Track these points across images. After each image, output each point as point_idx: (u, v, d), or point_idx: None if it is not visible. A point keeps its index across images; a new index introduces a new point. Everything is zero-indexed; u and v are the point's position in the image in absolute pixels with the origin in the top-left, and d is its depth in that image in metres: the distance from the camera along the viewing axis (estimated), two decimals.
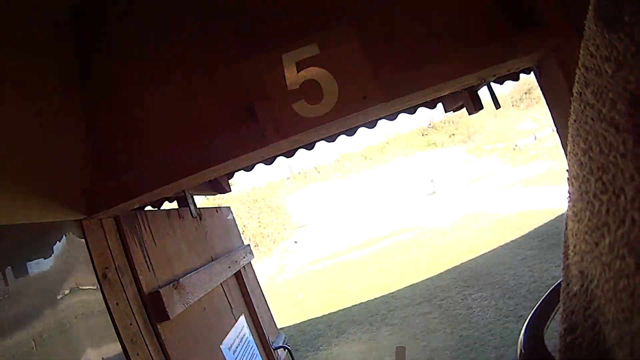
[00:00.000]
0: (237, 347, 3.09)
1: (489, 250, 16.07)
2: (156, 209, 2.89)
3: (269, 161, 3.81)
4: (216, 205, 4.01)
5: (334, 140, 3.94)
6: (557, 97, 2.24)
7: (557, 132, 2.37)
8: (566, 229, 0.40)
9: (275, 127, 1.74)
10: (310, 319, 14.74)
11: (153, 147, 1.87)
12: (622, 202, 0.29)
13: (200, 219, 3.25)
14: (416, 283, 14.96)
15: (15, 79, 1.57)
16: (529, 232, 16.32)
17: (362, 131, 3.71)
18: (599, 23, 0.33)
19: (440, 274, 14.97)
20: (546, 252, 12.78)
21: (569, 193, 0.37)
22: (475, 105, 3.39)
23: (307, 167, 62.59)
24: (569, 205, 0.37)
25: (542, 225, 16.45)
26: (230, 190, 4.39)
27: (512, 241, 16.03)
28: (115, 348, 1.84)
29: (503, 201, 25.54)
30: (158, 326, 2.10)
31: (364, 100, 1.76)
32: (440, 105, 3.92)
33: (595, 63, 0.33)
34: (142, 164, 1.86)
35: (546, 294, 0.68)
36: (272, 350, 4.00)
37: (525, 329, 0.64)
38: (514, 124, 59.34)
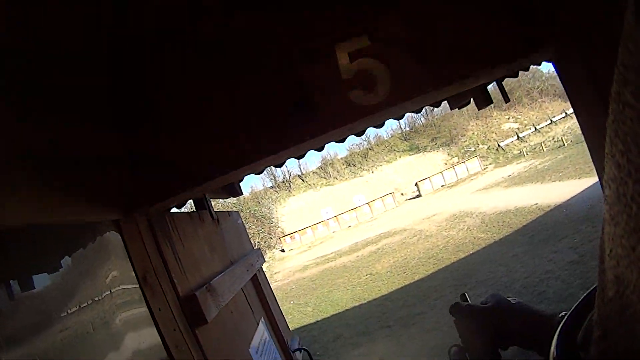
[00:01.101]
0: (262, 351, 3.04)
1: (479, 248, 16.19)
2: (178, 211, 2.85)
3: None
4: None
5: (362, 134, 3.97)
6: (577, 87, 2.23)
7: (578, 120, 2.37)
8: (603, 232, 0.36)
9: (331, 116, 1.75)
10: (304, 326, 14.71)
11: (195, 144, 1.83)
12: None
13: (218, 222, 3.21)
14: (408, 285, 15.03)
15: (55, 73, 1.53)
16: (518, 229, 16.48)
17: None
18: (639, 17, 0.31)
19: (432, 274, 15.03)
20: (537, 247, 12.89)
21: (606, 196, 0.35)
22: (485, 100, 3.40)
23: (291, 175, 62.64)
24: (605, 209, 0.35)
25: (531, 222, 16.63)
26: (242, 194, 4.37)
27: (502, 239, 16.17)
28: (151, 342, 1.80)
29: (489, 201, 25.77)
30: (197, 331, 2.04)
31: (414, 88, 1.80)
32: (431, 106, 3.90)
33: (635, 61, 0.31)
34: (183, 161, 1.82)
35: (580, 299, 0.67)
36: (291, 353, 3.95)
37: (559, 335, 0.63)
38: (496, 125, 60.02)
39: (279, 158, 1.91)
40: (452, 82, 1.87)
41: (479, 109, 3.66)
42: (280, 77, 1.80)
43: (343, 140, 3.86)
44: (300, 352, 4.27)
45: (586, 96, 2.08)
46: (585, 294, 0.69)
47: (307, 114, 1.75)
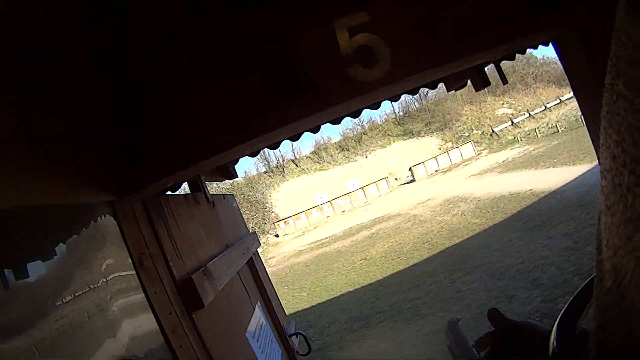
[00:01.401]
0: (259, 335, 3.02)
1: (474, 234, 16.29)
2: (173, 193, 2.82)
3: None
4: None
5: (358, 115, 3.96)
6: (577, 70, 2.23)
7: (580, 106, 2.37)
8: (599, 223, 0.36)
9: (329, 94, 1.73)
10: (299, 311, 14.80)
11: (189, 124, 1.79)
12: None
13: (214, 204, 3.17)
14: (402, 270, 15.11)
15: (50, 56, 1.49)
16: (513, 214, 16.59)
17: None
18: (631, 11, 0.31)
19: (426, 259, 15.11)
20: (531, 233, 12.98)
21: (602, 186, 0.35)
22: (482, 82, 3.38)
23: (285, 159, 62.77)
24: (601, 199, 0.35)
25: (525, 208, 16.74)
26: (237, 176, 4.35)
27: (496, 224, 16.28)
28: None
29: (483, 186, 25.90)
30: (193, 315, 2.01)
31: (413, 66, 1.79)
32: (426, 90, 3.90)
33: (627, 53, 0.32)
34: (177, 141, 1.79)
35: (578, 289, 0.66)
36: (287, 337, 3.95)
37: (558, 326, 0.62)
38: (490, 110, 60.26)
39: (274, 137, 1.88)
40: (452, 61, 1.89)
41: (476, 90, 3.66)
42: (277, 53, 1.77)
43: (339, 122, 3.84)
44: (297, 336, 4.26)
45: (586, 79, 2.09)
46: (583, 285, 0.67)
47: (304, 92, 1.72)
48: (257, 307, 3.36)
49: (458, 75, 3.57)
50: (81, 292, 1.47)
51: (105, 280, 1.60)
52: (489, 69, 3.64)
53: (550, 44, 2.64)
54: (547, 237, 11.89)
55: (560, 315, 0.64)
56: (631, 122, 0.31)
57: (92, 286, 1.53)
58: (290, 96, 1.73)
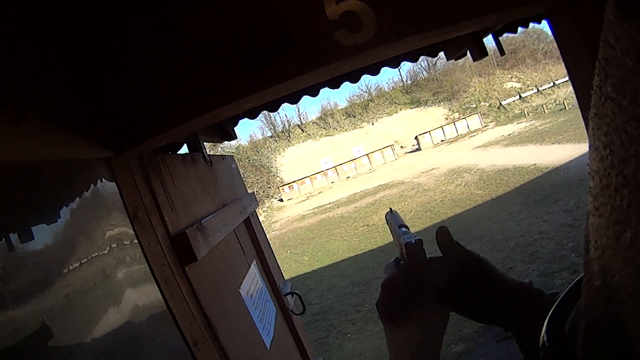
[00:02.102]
0: (252, 292, 3.09)
1: (476, 205, 16.29)
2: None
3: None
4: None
5: (357, 80, 3.98)
6: (571, 48, 2.22)
7: (572, 82, 2.36)
8: (587, 224, 0.37)
9: (315, 54, 1.75)
10: (300, 275, 14.91)
11: (182, 79, 1.81)
12: None
13: (212, 164, 3.22)
14: None
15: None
16: (515, 188, 16.55)
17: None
18: (619, 14, 0.32)
19: (428, 228, 15.12)
20: (532, 207, 12.98)
21: (590, 188, 0.36)
22: (480, 52, 3.39)
23: (291, 124, 62.52)
24: (589, 200, 0.36)
25: (528, 182, 16.68)
26: (236, 138, 4.38)
27: (499, 197, 16.25)
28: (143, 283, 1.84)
29: (488, 158, 25.80)
30: (186, 268, 2.08)
31: (400, 30, 1.80)
32: (429, 63, 3.92)
33: (615, 55, 0.32)
34: (172, 98, 1.81)
35: (568, 287, 0.68)
36: (283, 297, 4.04)
37: (548, 323, 0.64)
38: (498, 83, 59.67)
39: (267, 95, 1.89)
40: (436, 28, 1.87)
41: (474, 60, 3.67)
42: (264, 15, 1.78)
43: (337, 86, 3.89)
44: (292, 296, 4.36)
45: (579, 57, 2.08)
46: (572, 283, 0.70)
47: (293, 52, 1.74)
48: (252, 265, 3.43)
49: (457, 45, 3.58)
50: (85, 257, 1.53)
51: (105, 237, 1.66)
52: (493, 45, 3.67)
53: (545, 21, 2.64)
54: (548, 212, 11.90)
55: (550, 313, 0.66)
56: (619, 124, 0.31)
57: (94, 243, 1.60)
58: (280, 55, 1.75)
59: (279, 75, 1.76)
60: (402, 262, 1.14)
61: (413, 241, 1.06)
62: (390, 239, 1.27)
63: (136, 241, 1.83)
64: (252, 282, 3.21)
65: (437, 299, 1.05)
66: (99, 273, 1.57)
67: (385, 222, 1.39)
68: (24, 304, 1.19)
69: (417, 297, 1.05)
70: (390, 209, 1.40)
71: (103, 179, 1.78)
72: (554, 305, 0.65)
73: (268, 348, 2.98)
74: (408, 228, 1.18)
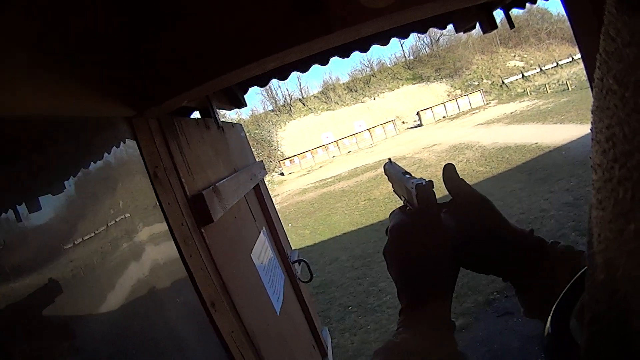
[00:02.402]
0: (263, 258, 3.13)
1: (477, 182, 16.29)
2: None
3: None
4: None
5: (367, 50, 4.00)
6: (583, 23, 2.20)
7: (583, 60, 2.34)
8: (590, 217, 0.37)
9: (338, 16, 1.73)
10: (301, 248, 14.94)
11: (199, 43, 1.81)
12: None
13: (223, 130, 3.23)
14: None
15: None
16: (517, 166, 16.56)
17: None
18: (620, 7, 0.32)
19: None
20: (534, 185, 13.01)
21: (593, 181, 0.35)
22: (490, 24, 3.40)
23: (292, 98, 62.32)
24: (592, 193, 0.36)
25: (529, 160, 16.69)
26: (246, 105, 4.40)
27: (500, 174, 16.28)
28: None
29: (489, 136, 25.78)
30: (203, 229, 2.10)
31: None
32: (433, 38, 3.92)
33: (617, 48, 0.32)
34: (188, 60, 1.81)
35: (572, 280, 0.68)
36: (290, 264, 4.09)
37: (552, 315, 0.64)
38: (501, 61, 59.39)
39: (283, 58, 1.88)
40: None
41: (483, 33, 3.68)
42: None
43: (348, 55, 3.90)
44: (300, 264, 4.39)
45: (593, 37, 2.05)
46: (577, 275, 0.69)
47: (312, 15, 1.73)
48: (262, 232, 3.45)
49: (467, 17, 3.58)
50: (105, 207, 1.54)
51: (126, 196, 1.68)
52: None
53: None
54: (549, 191, 11.93)
55: (554, 305, 0.65)
56: (621, 116, 0.31)
57: (115, 201, 1.61)
58: (298, 17, 1.74)
59: (298, 38, 1.75)
60: (408, 208, 1.11)
61: (424, 182, 1.01)
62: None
63: (155, 203, 1.85)
64: (262, 248, 3.24)
65: (448, 245, 1.02)
66: (121, 233, 1.59)
67: (387, 177, 1.37)
68: (67, 252, 1.21)
69: (428, 243, 1.01)
70: (389, 159, 1.38)
71: (125, 140, 1.79)
72: (560, 297, 0.65)
73: (278, 313, 3.02)
74: (411, 175, 1.14)
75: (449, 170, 1.09)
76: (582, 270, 0.68)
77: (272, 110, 61.11)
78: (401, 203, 1.15)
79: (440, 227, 1.02)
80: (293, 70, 3.97)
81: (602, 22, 0.33)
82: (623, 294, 0.31)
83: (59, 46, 1.40)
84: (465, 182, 1.11)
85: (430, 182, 1.02)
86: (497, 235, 1.05)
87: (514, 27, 3.91)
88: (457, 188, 1.10)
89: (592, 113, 0.36)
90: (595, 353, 0.35)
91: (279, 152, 53.45)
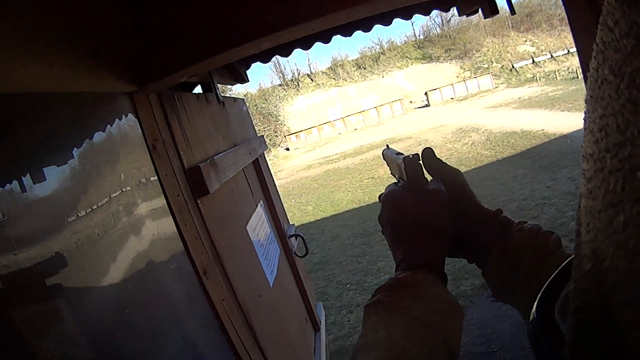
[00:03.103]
0: (259, 231, 3.20)
1: (481, 165, 16.25)
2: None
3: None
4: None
5: (369, 29, 4.02)
6: (579, 14, 2.21)
7: (578, 50, 2.35)
8: (579, 207, 0.37)
9: None
10: (303, 224, 14.96)
11: (199, 20, 1.83)
12: (638, 180, 0.29)
13: (224, 105, 3.28)
14: None
15: None
16: (522, 151, 16.41)
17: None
18: None
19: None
20: (537, 172, 12.90)
21: (584, 170, 0.36)
22: (491, 9, 3.40)
23: (300, 73, 61.86)
24: (582, 183, 0.36)
25: (534, 147, 16.51)
26: (248, 81, 4.42)
27: (504, 159, 16.15)
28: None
29: (496, 119, 25.56)
30: (199, 200, 2.17)
31: None
32: (438, 19, 3.92)
33: (614, 38, 0.32)
34: (189, 36, 1.85)
35: (557, 270, 0.69)
36: (287, 238, 4.15)
37: (537, 304, 0.66)
38: (512, 45, 58.70)
39: (281, 36, 1.91)
40: None
41: (484, 18, 3.68)
42: None
43: (350, 34, 3.93)
44: (296, 238, 4.45)
45: (587, 21, 2.05)
46: (563, 264, 0.69)
47: None
48: (259, 205, 3.52)
49: (469, 0, 3.59)
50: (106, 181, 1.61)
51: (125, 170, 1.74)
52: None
53: None
54: (551, 178, 11.83)
55: (540, 294, 0.67)
56: (616, 107, 0.31)
57: (116, 174, 1.68)
58: None
59: (295, 18, 1.77)
60: (399, 183, 1.17)
61: (410, 156, 1.08)
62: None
63: (153, 174, 1.92)
64: (259, 221, 3.31)
65: (435, 209, 1.05)
66: (122, 206, 1.66)
67: (385, 162, 1.40)
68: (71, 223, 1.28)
69: (416, 205, 1.06)
70: (387, 145, 1.42)
71: (126, 114, 1.84)
72: (546, 284, 0.67)
73: (271, 286, 3.09)
74: (403, 154, 1.17)
75: (428, 154, 1.13)
76: (568, 259, 0.71)
77: (280, 85, 60.73)
78: None
79: (426, 193, 1.06)
80: (296, 47, 4.00)
81: (598, 13, 0.34)
82: (609, 284, 0.31)
83: (59, 22, 1.43)
84: (440, 161, 1.15)
85: (417, 155, 1.09)
86: (463, 214, 1.08)
87: (514, 13, 3.90)
88: (430, 167, 1.14)
89: (585, 102, 0.37)
90: (579, 342, 0.36)
91: (285, 127, 53.20)
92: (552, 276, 0.67)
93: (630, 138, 0.29)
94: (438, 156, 1.16)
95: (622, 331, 0.30)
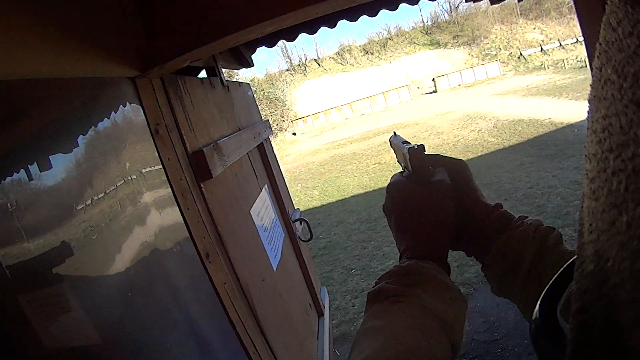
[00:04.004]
0: (263, 215, 3.20)
1: (488, 152, 16.19)
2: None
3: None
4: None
5: (375, 14, 4.00)
6: (587, 5, 2.18)
7: (585, 40, 2.32)
8: (582, 207, 0.37)
9: None
10: (309, 209, 14.98)
11: (205, 2, 1.83)
12: None
13: (229, 89, 3.27)
14: None
15: None
16: (528, 139, 16.32)
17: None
18: None
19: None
20: (544, 160, 12.83)
21: (587, 171, 0.35)
22: None
23: (307, 58, 61.72)
24: (585, 183, 0.35)
25: (541, 135, 16.41)
26: (253, 65, 4.41)
27: (511, 146, 16.07)
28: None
29: (504, 107, 25.45)
30: (202, 184, 2.18)
31: None
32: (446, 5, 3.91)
33: (617, 38, 0.32)
34: (195, 18, 1.85)
35: (560, 270, 0.69)
36: (291, 223, 4.16)
37: (540, 303, 0.66)
38: (520, 32, 58.34)
39: (284, 20, 1.89)
40: None
41: (491, 4, 3.65)
42: None
43: (356, 19, 3.89)
44: (301, 223, 4.45)
45: (596, 17, 2.03)
46: (566, 263, 0.69)
47: None
48: (263, 189, 3.53)
49: None
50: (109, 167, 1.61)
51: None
52: None
53: None
54: (558, 167, 11.76)
55: (542, 294, 0.67)
56: (619, 107, 0.30)
57: (121, 161, 1.68)
58: None
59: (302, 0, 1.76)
60: (404, 172, 1.17)
61: (416, 146, 1.08)
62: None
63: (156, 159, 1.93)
64: (263, 205, 3.31)
65: (440, 198, 1.05)
66: (126, 190, 1.66)
67: (392, 149, 1.40)
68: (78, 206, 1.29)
69: (420, 195, 1.06)
70: (394, 132, 1.41)
71: (129, 99, 1.84)
72: (549, 284, 0.65)
73: (274, 269, 3.10)
74: (409, 142, 1.18)
75: (419, 152, 1.10)
76: (571, 259, 0.67)
77: (287, 70, 60.65)
78: None
79: (430, 184, 1.06)
80: (301, 32, 3.99)
81: (605, 3, 0.34)
82: (612, 285, 0.30)
83: (61, 7, 1.42)
84: (440, 155, 1.15)
85: (422, 145, 1.09)
86: (464, 207, 1.09)
87: (521, 0, 3.87)
88: (434, 161, 1.13)
89: (589, 102, 0.36)
90: (581, 343, 0.35)
91: (292, 112, 53.12)
92: (555, 276, 0.66)
93: (633, 138, 0.29)
94: (445, 142, 1.15)
95: (625, 332, 0.29)
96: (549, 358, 0.55)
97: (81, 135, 1.46)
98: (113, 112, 1.72)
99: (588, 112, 0.36)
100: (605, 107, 0.32)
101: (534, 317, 0.62)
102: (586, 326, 0.34)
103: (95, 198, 1.43)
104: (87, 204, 1.38)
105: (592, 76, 0.35)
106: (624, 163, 0.29)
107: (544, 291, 0.64)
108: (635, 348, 0.29)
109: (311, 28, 3.94)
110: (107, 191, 1.52)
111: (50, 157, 1.26)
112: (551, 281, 0.66)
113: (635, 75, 0.29)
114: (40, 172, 1.21)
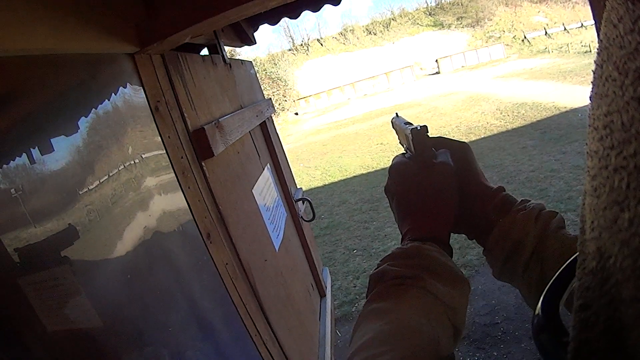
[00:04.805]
0: (265, 194, 3.18)
1: (491, 134, 16.18)
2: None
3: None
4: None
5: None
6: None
7: (595, 23, 2.29)
8: (583, 205, 0.37)
9: None
10: (312, 188, 15.03)
11: None
12: None
13: (231, 67, 3.23)
14: None
15: None
16: (532, 123, 16.31)
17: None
18: None
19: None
20: (547, 144, 12.82)
21: (588, 168, 0.35)
22: None
23: (310, 38, 61.49)
24: (587, 180, 0.35)
25: (545, 119, 16.40)
26: (255, 43, 4.36)
27: (514, 129, 16.07)
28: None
29: (507, 89, 25.40)
30: (203, 163, 2.15)
31: None
32: None
33: (619, 34, 0.32)
34: None
35: (562, 267, 0.67)
36: (294, 202, 4.14)
37: (543, 300, 0.64)
38: (525, 15, 58.05)
39: None
40: None
41: None
42: None
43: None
44: (303, 202, 4.45)
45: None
46: (569, 261, 0.69)
47: None
48: (266, 168, 3.50)
49: None
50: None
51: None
52: None
53: None
54: (561, 151, 11.76)
55: (545, 291, 0.66)
56: (620, 104, 0.30)
57: (120, 136, 1.65)
58: None
59: None
60: (406, 153, 1.16)
61: (418, 127, 1.07)
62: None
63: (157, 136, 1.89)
64: (265, 184, 3.29)
65: (442, 180, 1.04)
66: (128, 171, 1.63)
67: (394, 130, 1.39)
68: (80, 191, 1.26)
69: (423, 177, 1.05)
70: (396, 113, 1.41)
71: (128, 76, 1.81)
72: (549, 285, 0.64)
73: (277, 250, 3.09)
74: (412, 124, 1.16)
75: (422, 133, 1.09)
76: (573, 256, 0.70)
77: (290, 50, 60.47)
78: None
79: (433, 165, 1.05)
80: (304, 9, 3.94)
81: None
82: (614, 282, 0.30)
83: None
84: (443, 137, 1.14)
85: (425, 126, 1.07)
86: (466, 190, 1.08)
87: None
88: (436, 142, 1.12)
89: (590, 99, 0.36)
90: (583, 340, 0.35)
91: (294, 92, 53.03)
92: (558, 272, 0.64)
93: (635, 135, 0.29)
94: (448, 124, 1.13)
95: (627, 330, 0.29)
96: (551, 355, 0.54)
97: (82, 117, 1.44)
98: (111, 89, 1.68)
99: (589, 109, 0.36)
100: (607, 104, 0.32)
101: (536, 312, 0.61)
102: (588, 323, 0.34)
103: (98, 182, 1.41)
104: (89, 188, 1.36)
105: (593, 73, 0.36)
106: (626, 160, 0.30)
107: (547, 287, 0.64)
108: (637, 346, 0.29)
109: (315, 5, 3.89)
110: (111, 174, 1.50)
111: (51, 139, 1.24)
112: (554, 277, 0.65)
113: (636, 72, 0.29)
114: (42, 155, 1.19)
